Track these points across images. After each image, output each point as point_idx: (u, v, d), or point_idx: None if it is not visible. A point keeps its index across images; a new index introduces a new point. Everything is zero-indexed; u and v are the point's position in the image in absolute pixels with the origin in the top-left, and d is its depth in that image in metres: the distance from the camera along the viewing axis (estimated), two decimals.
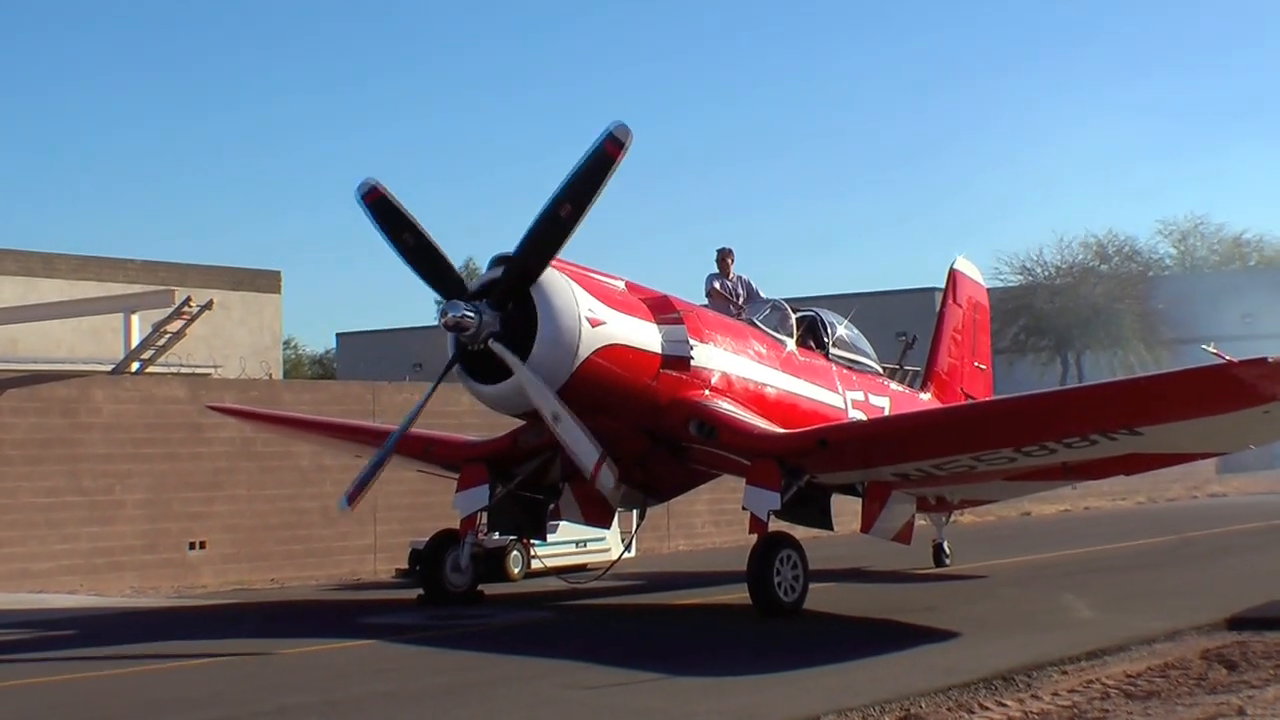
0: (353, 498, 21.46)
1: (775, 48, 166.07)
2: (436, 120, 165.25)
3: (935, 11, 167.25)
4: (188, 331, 36.90)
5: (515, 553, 26.84)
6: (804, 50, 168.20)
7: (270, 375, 46.41)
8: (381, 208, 20.22)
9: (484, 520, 23.27)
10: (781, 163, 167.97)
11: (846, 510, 23.77)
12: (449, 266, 20.50)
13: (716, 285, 24.73)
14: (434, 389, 21.26)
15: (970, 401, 28.75)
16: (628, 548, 27.44)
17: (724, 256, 25.00)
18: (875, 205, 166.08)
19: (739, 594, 21.48)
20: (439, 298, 21.00)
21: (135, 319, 40.48)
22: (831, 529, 23.25)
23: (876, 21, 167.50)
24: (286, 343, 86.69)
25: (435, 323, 20.09)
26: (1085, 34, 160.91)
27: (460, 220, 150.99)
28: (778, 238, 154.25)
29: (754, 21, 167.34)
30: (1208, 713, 13.60)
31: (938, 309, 31.63)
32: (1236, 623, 19.26)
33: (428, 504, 29.65)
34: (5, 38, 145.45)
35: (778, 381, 23.20)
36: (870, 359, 26.29)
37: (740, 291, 24.72)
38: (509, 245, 20.09)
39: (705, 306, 23.77)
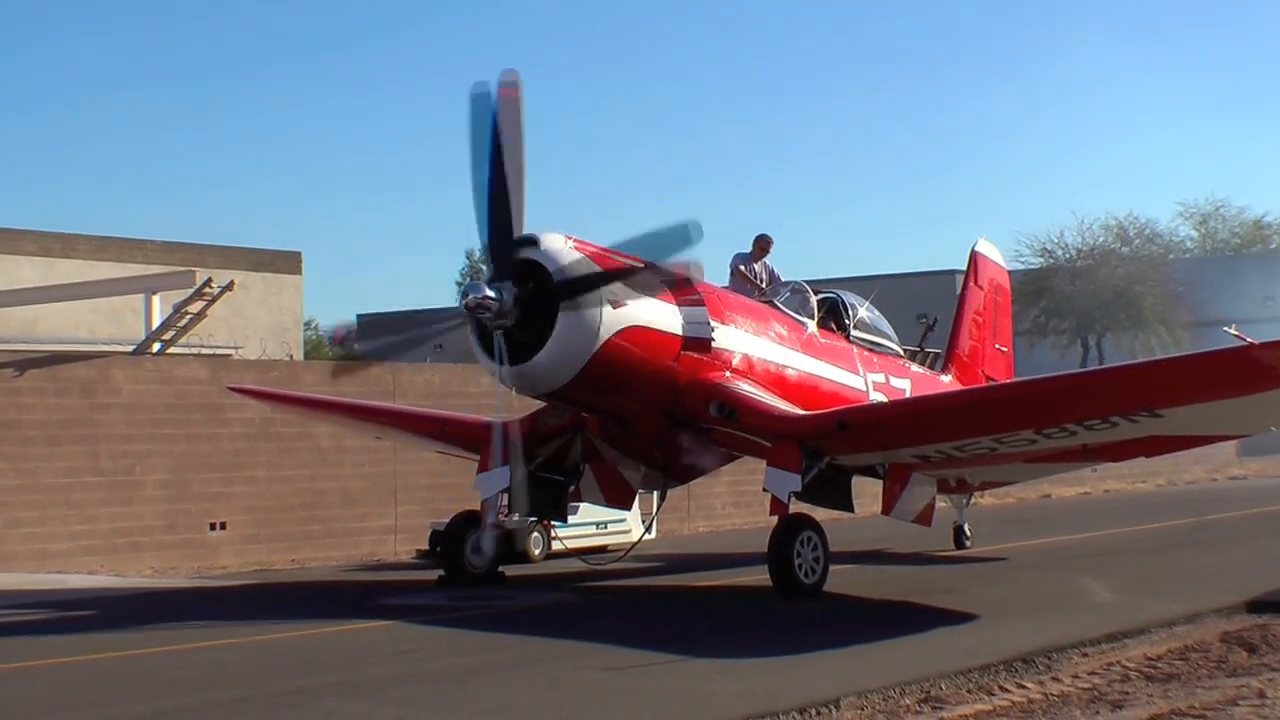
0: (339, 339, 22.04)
1: (798, 35, 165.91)
2: (457, 114, 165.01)
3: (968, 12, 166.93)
4: (208, 312, 36.96)
5: (536, 534, 26.85)
6: (825, 35, 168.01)
7: (290, 356, 46.36)
8: (509, 113, 20.13)
9: (505, 501, 23.30)
10: (803, 146, 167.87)
11: (867, 492, 23.76)
12: (516, 224, 19.98)
13: (741, 266, 24.71)
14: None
15: (991, 384, 28.70)
16: (648, 529, 27.44)
17: (762, 243, 24.94)
18: (897, 189, 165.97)
19: (759, 576, 21.46)
20: (459, 279, 21.01)
21: (156, 300, 40.46)
22: (852, 511, 23.24)
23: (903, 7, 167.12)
24: (307, 324, 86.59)
25: (456, 304, 20.05)
26: (1111, 24, 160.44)
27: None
28: (800, 219, 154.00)
29: (778, 14, 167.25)
30: (1228, 695, 13.59)
31: (959, 291, 31.62)
32: (1256, 606, 19.24)
33: (447, 485, 29.69)
34: (37, 29, 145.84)
35: (798, 363, 23.18)
36: (891, 341, 26.26)
37: (764, 277, 24.70)
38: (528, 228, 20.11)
39: (727, 288, 23.77)
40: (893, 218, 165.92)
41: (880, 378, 25.02)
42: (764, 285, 24.64)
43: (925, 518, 23.22)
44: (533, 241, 19.86)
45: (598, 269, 20.02)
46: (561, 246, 19.99)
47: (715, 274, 23.75)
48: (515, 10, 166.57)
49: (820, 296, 24.72)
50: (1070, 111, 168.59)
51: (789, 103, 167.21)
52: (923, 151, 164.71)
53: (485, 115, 19.62)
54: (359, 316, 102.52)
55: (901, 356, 26.58)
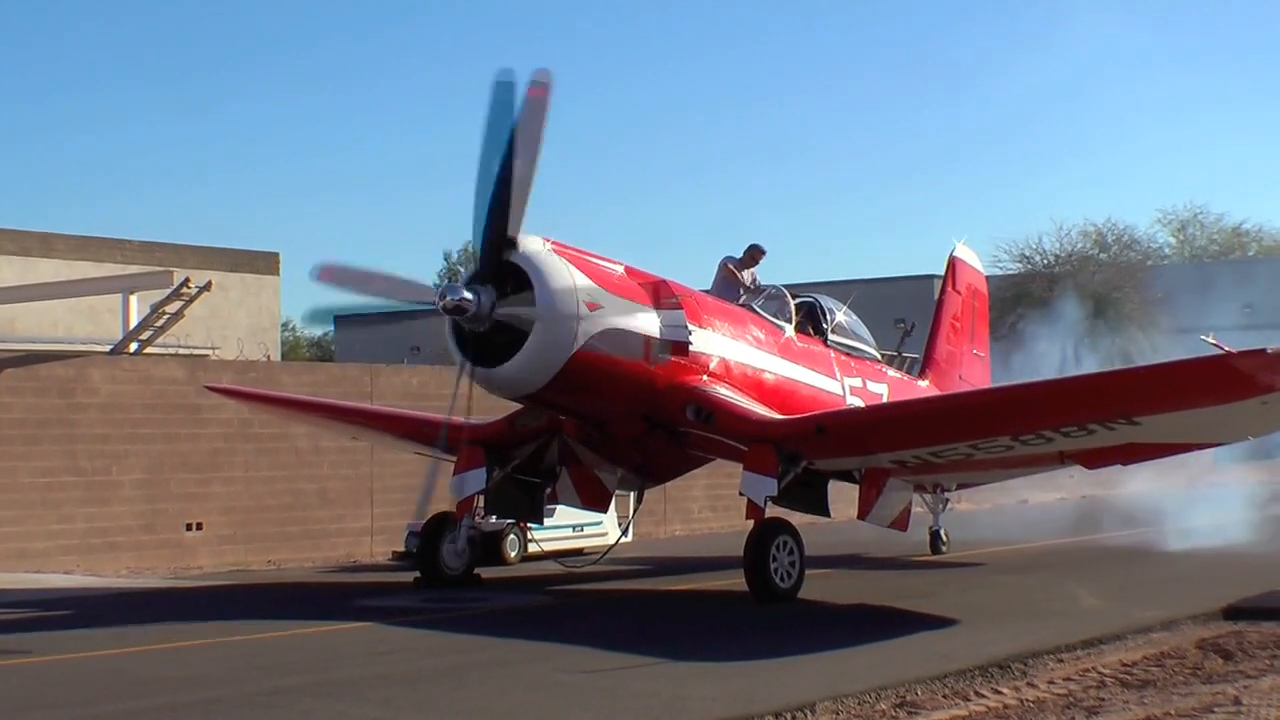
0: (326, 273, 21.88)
1: (776, 34, 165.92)
2: (438, 115, 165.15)
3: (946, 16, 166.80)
4: (186, 312, 36.88)
5: (512, 536, 26.85)
6: (803, 34, 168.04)
7: (268, 357, 46.35)
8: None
9: (481, 503, 23.29)
10: (781, 145, 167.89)
11: (843, 497, 23.78)
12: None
13: (731, 265, 24.66)
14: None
15: (968, 389, 28.74)
16: (624, 532, 27.43)
17: (754, 254, 24.90)
18: (875, 191, 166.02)
19: (735, 580, 21.49)
20: (437, 283, 21.03)
21: (134, 299, 40.42)
22: (828, 515, 23.29)
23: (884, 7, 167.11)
24: (285, 324, 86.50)
25: (434, 306, 20.02)
26: (1091, 26, 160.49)
27: (458, 213, 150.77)
28: (776, 218, 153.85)
29: (754, 12, 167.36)
30: (1203, 702, 13.62)
31: (937, 296, 31.68)
32: (1233, 613, 19.30)
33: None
34: (15, 27, 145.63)
35: (776, 367, 23.21)
36: (869, 346, 26.31)
37: (748, 285, 24.65)
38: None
39: (707, 291, 23.78)
40: (870, 220, 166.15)
41: (857, 382, 25.06)
42: (748, 288, 24.61)
43: (902, 522, 23.31)
44: (511, 244, 19.85)
45: (576, 272, 20.04)
46: (539, 249, 20.01)
47: (696, 277, 23.82)
48: (495, 7, 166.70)
49: (798, 301, 24.74)
50: (1050, 116, 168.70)
51: (766, 102, 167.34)
52: (901, 154, 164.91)
53: (506, 108, 19.48)
54: (337, 318, 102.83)
55: (879, 361, 26.64)
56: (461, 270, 20.49)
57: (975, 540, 30.29)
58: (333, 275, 21.50)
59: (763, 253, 25.04)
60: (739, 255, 24.95)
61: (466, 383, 20.40)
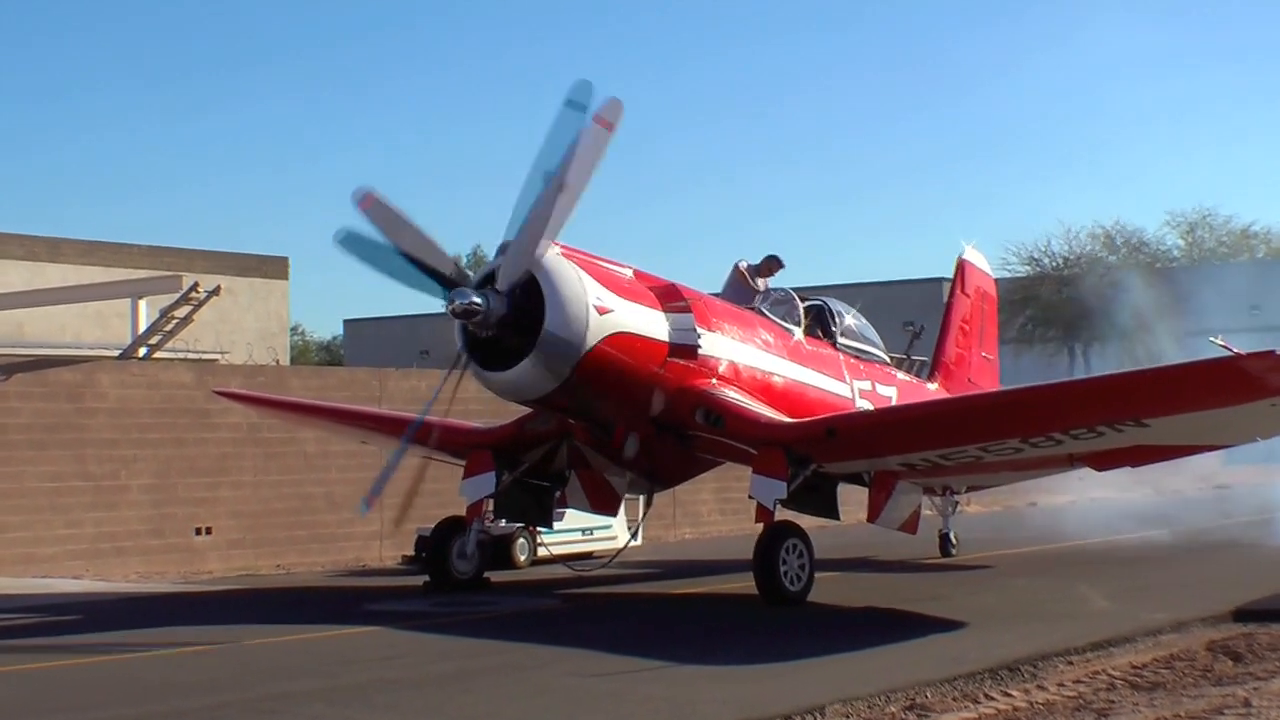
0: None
1: (785, 34, 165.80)
2: (444, 117, 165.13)
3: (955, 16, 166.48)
4: (195, 317, 36.90)
5: (522, 540, 26.87)
6: (813, 35, 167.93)
7: (277, 361, 46.34)
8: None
9: (490, 507, 23.28)
10: (790, 147, 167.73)
11: (853, 500, 23.76)
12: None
13: (742, 267, 24.64)
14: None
15: (977, 392, 28.70)
16: (634, 536, 27.39)
17: (771, 264, 24.89)
18: (884, 194, 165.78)
19: (745, 583, 21.47)
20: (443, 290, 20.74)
21: (143, 304, 40.45)
22: (838, 518, 23.25)
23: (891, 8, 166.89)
24: (293, 329, 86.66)
25: (442, 310, 19.96)
26: (1099, 29, 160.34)
27: (465, 215, 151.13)
28: (785, 220, 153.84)
29: (763, 12, 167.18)
30: (1213, 704, 13.60)
31: (945, 299, 31.65)
32: (1242, 615, 19.27)
33: (434, 491, 29.49)
34: (23, 29, 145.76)
35: (785, 370, 23.19)
36: (878, 349, 26.27)
37: (759, 292, 24.59)
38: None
39: (717, 294, 23.76)
40: (878, 223, 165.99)
41: (866, 385, 25.03)
42: (758, 294, 24.58)
43: (911, 525, 23.26)
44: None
45: (586, 276, 20.02)
46: (548, 253, 19.98)
47: (703, 280, 23.78)
48: (497, 8, 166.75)
49: (807, 304, 24.72)
50: (1058, 118, 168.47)
51: (770, 103, 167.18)
52: (907, 156, 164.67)
53: (571, 128, 19.39)
54: (345, 322, 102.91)
55: (888, 364, 26.61)
56: (471, 274, 20.32)
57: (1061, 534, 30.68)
58: (372, 205, 20.83)
59: (780, 265, 25.02)
60: (755, 261, 24.92)
61: (453, 382, 20.39)
